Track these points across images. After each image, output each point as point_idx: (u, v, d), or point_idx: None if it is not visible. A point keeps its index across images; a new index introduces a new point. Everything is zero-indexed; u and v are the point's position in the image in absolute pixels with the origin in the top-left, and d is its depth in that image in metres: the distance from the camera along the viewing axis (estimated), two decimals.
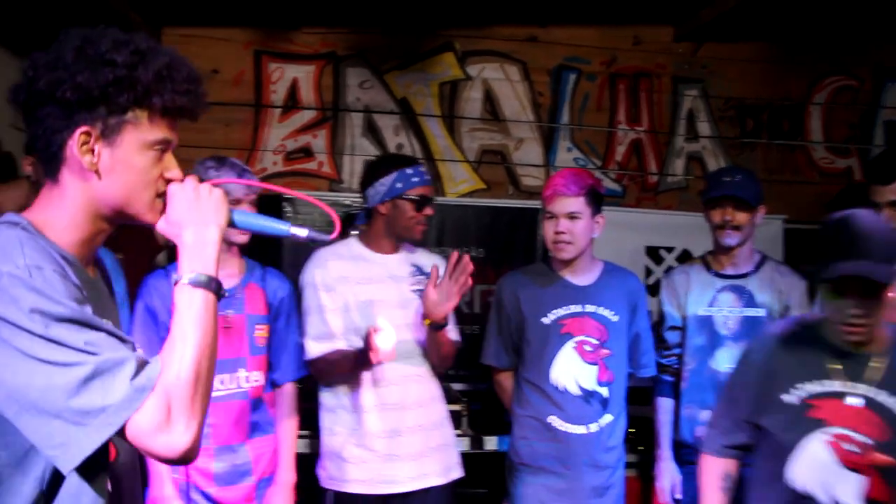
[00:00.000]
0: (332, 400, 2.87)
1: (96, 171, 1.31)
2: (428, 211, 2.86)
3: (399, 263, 2.92)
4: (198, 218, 1.34)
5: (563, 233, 2.87)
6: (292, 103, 4.85)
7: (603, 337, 2.93)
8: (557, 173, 3.02)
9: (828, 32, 4.97)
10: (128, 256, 3.15)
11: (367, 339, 2.56)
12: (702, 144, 5.16)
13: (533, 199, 4.61)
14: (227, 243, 2.62)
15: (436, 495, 2.86)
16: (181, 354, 1.24)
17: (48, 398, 1.16)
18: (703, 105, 5.16)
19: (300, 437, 3.03)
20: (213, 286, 1.32)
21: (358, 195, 4.74)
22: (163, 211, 1.37)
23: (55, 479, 1.27)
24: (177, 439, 1.20)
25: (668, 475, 3.15)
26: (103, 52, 1.28)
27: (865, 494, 2.06)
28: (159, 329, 2.60)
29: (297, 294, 2.89)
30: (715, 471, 2.34)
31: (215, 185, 1.40)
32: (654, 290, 3.90)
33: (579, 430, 2.90)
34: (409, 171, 2.83)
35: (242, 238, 2.67)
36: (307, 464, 2.99)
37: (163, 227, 1.37)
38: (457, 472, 2.96)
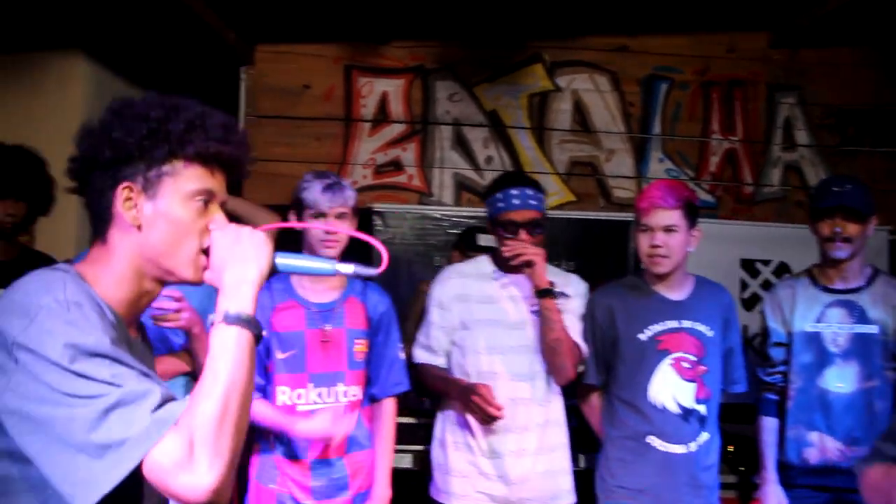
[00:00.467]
0: (443, 413, 2.90)
1: (139, 226, 1.33)
2: (523, 236, 2.74)
3: (523, 282, 2.83)
4: (237, 259, 1.33)
5: (659, 246, 2.80)
6: (382, 117, 4.91)
7: (700, 353, 2.85)
8: (653, 185, 2.96)
9: None
10: None
11: (477, 390, 2.64)
12: (799, 154, 5.03)
13: (624, 211, 4.55)
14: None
15: None
16: (209, 391, 1.20)
17: (70, 431, 1.14)
18: (800, 113, 5.03)
19: (397, 451, 3.02)
20: (250, 325, 1.28)
21: (447, 208, 4.84)
22: (206, 267, 1.36)
23: None
24: (199, 479, 1.14)
25: (773, 499, 3.02)
26: (137, 110, 1.32)
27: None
28: None
29: (397, 308, 2.89)
30: None
31: (262, 230, 1.39)
32: (749, 304, 3.80)
33: (679, 449, 2.82)
34: (513, 191, 2.77)
35: (331, 252, 2.68)
36: (404, 479, 2.99)
37: (209, 276, 1.37)
38: (566, 500, 2.89)
